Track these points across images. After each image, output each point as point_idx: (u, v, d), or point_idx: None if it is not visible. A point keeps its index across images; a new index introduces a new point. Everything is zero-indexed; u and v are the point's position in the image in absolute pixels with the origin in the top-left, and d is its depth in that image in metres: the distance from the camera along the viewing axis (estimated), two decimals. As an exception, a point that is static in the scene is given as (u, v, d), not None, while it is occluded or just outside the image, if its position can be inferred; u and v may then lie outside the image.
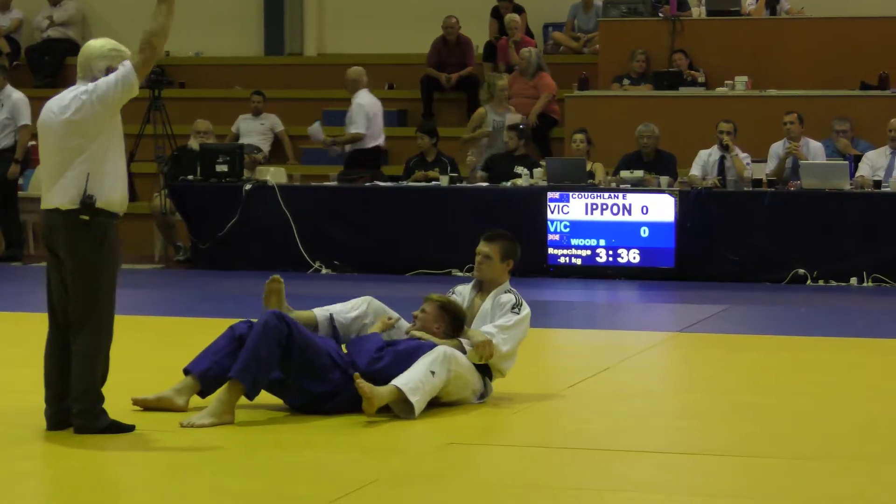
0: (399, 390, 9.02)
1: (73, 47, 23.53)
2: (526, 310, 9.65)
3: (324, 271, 17.01)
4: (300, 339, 9.05)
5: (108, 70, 8.60)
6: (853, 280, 16.06)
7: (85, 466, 8.21)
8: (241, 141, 20.10)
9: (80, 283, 8.54)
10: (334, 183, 18.13)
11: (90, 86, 8.53)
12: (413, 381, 9.06)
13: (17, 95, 18.87)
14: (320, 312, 9.78)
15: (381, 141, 19.63)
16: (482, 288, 9.85)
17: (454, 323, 9.58)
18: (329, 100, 22.22)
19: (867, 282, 16.02)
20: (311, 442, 8.78)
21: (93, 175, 8.46)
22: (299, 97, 22.11)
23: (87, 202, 8.43)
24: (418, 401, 9.02)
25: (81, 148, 8.48)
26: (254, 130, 21.02)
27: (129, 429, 8.68)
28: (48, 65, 23.42)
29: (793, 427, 9.24)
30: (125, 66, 8.52)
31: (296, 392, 9.29)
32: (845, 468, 8.19)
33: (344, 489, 7.55)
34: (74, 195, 8.45)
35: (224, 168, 17.60)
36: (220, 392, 9.00)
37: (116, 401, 8.82)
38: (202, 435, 8.80)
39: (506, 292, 9.74)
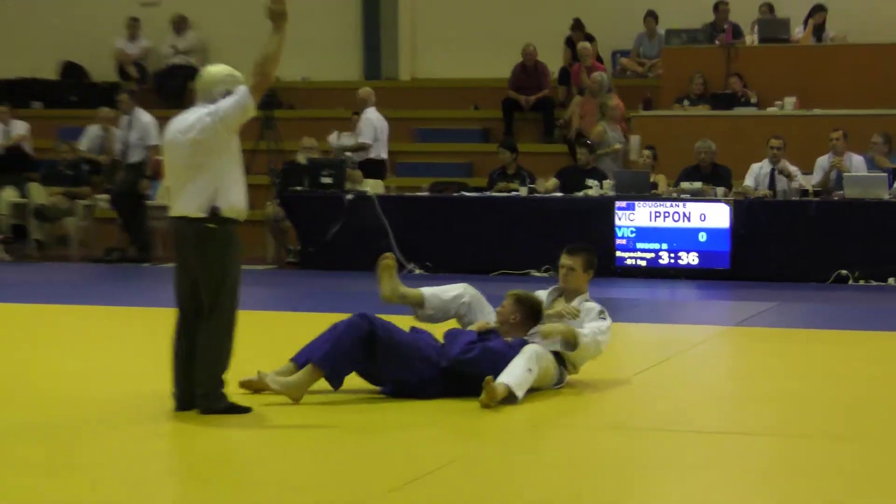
0: (509, 387, 9.15)
1: (195, 73, 23.60)
2: (609, 319, 9.76)
3: (417, 272, 17.08)
4: (384, 335, 9.13)
5: (226, 93, 8.64)
6: (891, 280, 16.01)
7: (208, 442, 8.34)
8: (335, 154, 20.20)
9: (208, 283, 8.63)
10: (426, 193, 18.22)
11: (212, 108, 8.58)
12: (518, 378, 9.18)
13: (146, 118, 19.09)
14: (427, 291, 9.92)
15: (385, 155, 19.99)
16: (562, 294, 9.94)
17: (529, 312, 9.68)
18: (421, 119, 22.34)
19: (904, 281, 16.01)
20: (404, 423, 8.86)
21: (218, 188, 8.54)
22: (395, 117, 22.13)
23: (214, 212, 8.52)
24: (521, 395, 9.17)
25: (205, 163, 8.54)
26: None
27: (246, 410, 8.76)
28: (173, 89, 23.62)
29: (836, 411, 9.24)
30: (242, 91, 8.58)
31: (386, 380, 9.43)
32: (881, 448, 8.20)
33: (434, 465, 7.64)
34: (201, 205, 8.52)
35: (328, 180, 17.75)
36: (301, 371, 9.13)
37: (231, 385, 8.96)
38: (310, 415, 8.90)
39: (587, 301, 9.83)
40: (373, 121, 20.04)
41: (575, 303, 9.79)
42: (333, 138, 20.78)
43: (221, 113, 8.57)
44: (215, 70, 8.88)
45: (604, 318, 9.68)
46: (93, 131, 20.12)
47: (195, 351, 8.74)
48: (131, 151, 19.08)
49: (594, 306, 9.75)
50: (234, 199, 8.66)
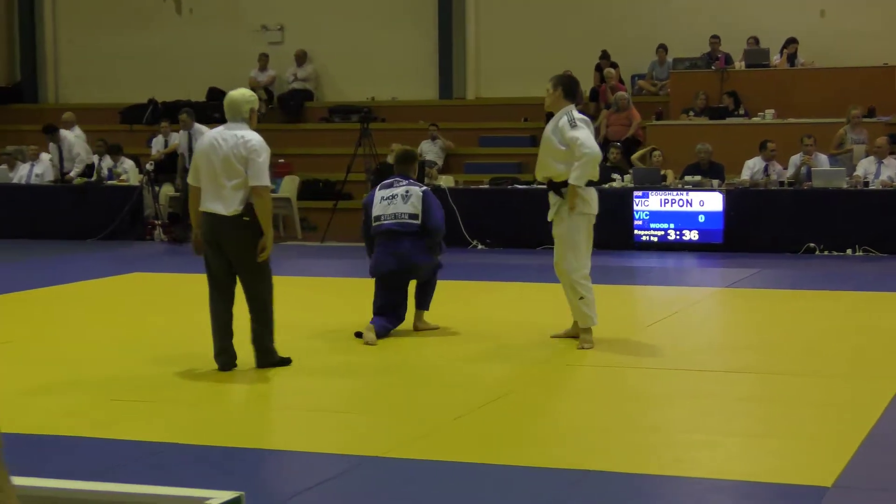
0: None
1: (310, 96, 23.77)
2: (581, 128, 9.14)
3: (479, 247, 17.06)
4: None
5: (251, 111, 8.33)
6: (848, 251, 15.84)
7: (292, 385, 8.35)
8: (422, 157, 20.21)
9: (247, 265, 8.28)
10: (487, 185, 18.17)
11: (249, 141, 8.18)
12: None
13: (205, 129, 18.00)
14: None
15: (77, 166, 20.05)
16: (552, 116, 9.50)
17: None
18: (483, 129, 22.32)
19: (858, 252, 15.80)
20: (454, 364, 8.86)
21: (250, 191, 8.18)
22: (463, 127, 22.18)
23: (251, 209, 8.16)
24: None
25: (240, 173, 8.17)
26: (431, 150, 21.11)
27: (288, 361, 8.55)
28: (292, 108, 23.68)
29: (806, 353, 9.17)
30: (266, 177, 8.17)
31: None
32: (841, 382, 8.13)
33: (488, 398, 7.63)
34: (237, 204, 8.17)
35: (412, 176, 17.73)
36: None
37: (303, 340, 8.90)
38: (369, 360, 8.89)
39: (563, 116, 9.26)
40: (69, 138, 20.10)
41: (554, 119, 9.30)
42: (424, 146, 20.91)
43: (254, 167, 8.15)
44: (240, 93, 8.46)
45: (573, 126, 9.12)
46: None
47: (230, 320, 8.42)
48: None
49: (566, 123, 9.18)
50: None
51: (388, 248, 9.73)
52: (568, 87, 9.46)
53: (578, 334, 9.39)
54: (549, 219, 9.52)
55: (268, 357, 8.48)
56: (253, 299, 8.39)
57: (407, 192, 9.83)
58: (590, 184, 9.30)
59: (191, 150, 17.87)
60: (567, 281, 9.31)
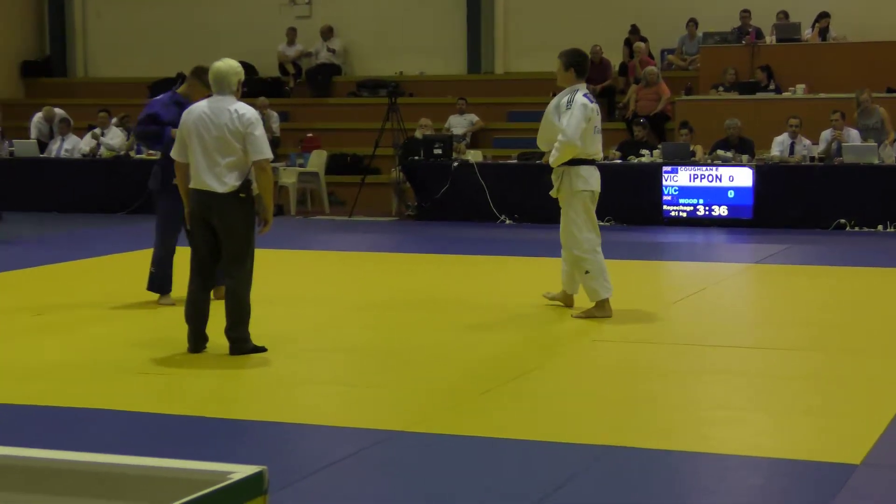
0: None
1: (338, 70, 23.69)
2: (574, 109, 9.29)
3: (507, 222, 16.98)
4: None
5: (239, 82, 8.09)
6: (879, 227, 15.71)
7: (328, 364, 8.32)
8: (451, 132, 20.13)
9: (236, 244, 7.92)
10: (515, 161, 18.08)
11: (244, 115, 7.90)
12: None
13: None
14: None
15: None
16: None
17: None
18: (512, 103, 22.19)
19: (890, 228, 15.67)
20: (492, 336, 8.81)
21: (246, 168, 7.87)
22: (491, 102, 22.08)
23: (247, 185, 7.86)
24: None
25: (236, 150, 7.85)
26: (460, 125, 21.02)
27: (263, 349, 8.09)
28: (320, 82, 23.60)
29: (834, 330, 9.10)
30: (267, 151, 7.88)
31: None
32: (868, 359, 8.05)
33: (521, 371, 7.59)
34: (234, 180, 7.83)
35: (439, 151, 17.66)
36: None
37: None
38: (384, 340, 8.82)
39: (568, 94, 9.40)
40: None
41: (557, 96, 9.49)
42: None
43: (253, 141, 7.83)
44: (227, 64, 8.15)
45: (569, 108, 9.30)
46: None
47: (209, 302, 8.15)
48: None
49: (565, 104, 9.33)
50: (253, 176, 7.94)
51: None
52: (579, 67, 9.56)
53: (568, 303, 9.68)
54: (553, 195, 9.55)
55: (241, 345, 8.03)
56: (232, 285, 8.00)
57: None
58: (587, 162, 9.51)
59: None
60: (571, 257, 9.50)
